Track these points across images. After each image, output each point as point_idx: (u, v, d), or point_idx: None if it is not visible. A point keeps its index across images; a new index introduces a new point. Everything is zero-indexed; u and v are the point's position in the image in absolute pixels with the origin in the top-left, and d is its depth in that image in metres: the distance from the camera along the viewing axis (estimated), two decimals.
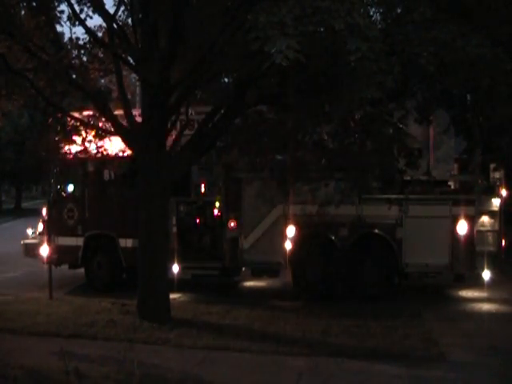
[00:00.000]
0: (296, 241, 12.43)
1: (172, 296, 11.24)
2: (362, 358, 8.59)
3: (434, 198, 12.27)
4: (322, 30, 6.71)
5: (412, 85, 8.62)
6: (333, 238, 12.46)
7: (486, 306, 12.00)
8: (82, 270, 14.28)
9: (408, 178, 12.01)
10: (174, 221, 13.21)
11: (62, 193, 14.79)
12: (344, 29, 6.13)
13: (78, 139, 12.32)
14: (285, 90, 8.88)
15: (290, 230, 12.38)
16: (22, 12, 11.34)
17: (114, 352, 8.73)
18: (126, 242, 13.45)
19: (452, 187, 13.01)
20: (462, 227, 11.97)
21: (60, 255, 13.94)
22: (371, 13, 9.34)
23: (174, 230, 13.22)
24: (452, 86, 8.94)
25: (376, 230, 12.33)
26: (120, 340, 9.44)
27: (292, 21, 5.73)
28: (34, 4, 10.77)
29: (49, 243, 13.38)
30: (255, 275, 13.64)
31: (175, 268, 12.84)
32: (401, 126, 10.17)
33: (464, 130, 12.25)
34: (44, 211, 14.49)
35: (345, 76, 7.84)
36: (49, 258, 13.24)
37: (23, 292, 13.64)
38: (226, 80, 12.75)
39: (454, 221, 12.00)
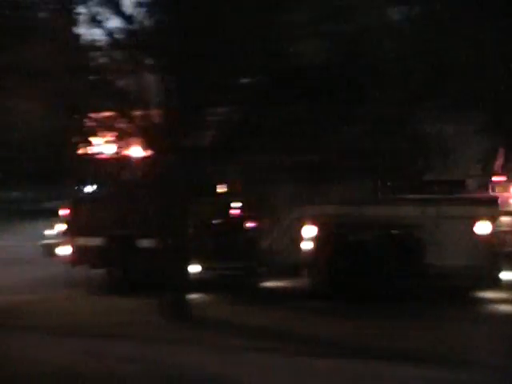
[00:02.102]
0: (320, 241, 12.37)
1: (194, 296, 11.26)
2: (389, 359, 8.51)
3: (457, 198, 12.17)
4: (352, 28, 6.68)
5: (444, 85, 8.52)
6: (357, 238, 12.43)
7: (508, 308, 11.88)
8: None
9: (430, 178, 11.94)
10: (195, 221, 13.21)
11: (84, 193, 14.85)
12: (379, 27, 6.07)
13: (99, 140, 12.35)
14: (312, 90, 8.84)
15: (314, 231, 12.33)
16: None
17: (137, 351, 8.83)
18: (148, 243, 13.46)
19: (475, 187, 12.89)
20: (483, 228, 11.87)
21: (82, 255, 14.01)
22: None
23: (195, 230, 13.23)
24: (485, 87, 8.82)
25: (397, 231, 12.27)
26: (143, 339, 9.51)
27: (321, 20, 5.70)
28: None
29: (71, 243, 13.46)
30: (276, 276, 13.62)
31: (197, 268, 12.84)
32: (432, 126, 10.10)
33: (489, 130, 12.08)
34: (65, 211, 14.56)
35: (376, 76, 7.80)
36: (71, 258, 13.32)
37: (50, 292, 13.74)
38: (250, 80, 12.70)
39: (475, 221, 11.91)
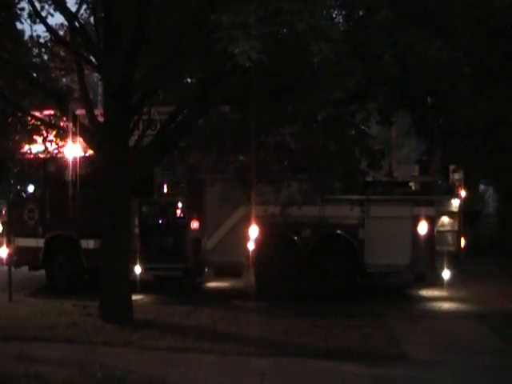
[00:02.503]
0: (259, 241, 12.44)
1: (134, 297, 11.16)
2: (324, 357, 8.65)
3: (395, 198, 12.42)
4: (284, 31, 6.77)
5: (374, 87, 8.71)
6: (295, 238, 12.54)
7: (446, 305, 12.19)
8: (42, 272, 14.13)
9: (370, 179, 12.14)
10: (136, 221, 13.12)
11: (23, 193, 14.57)
12: (306, 30, 6.15)
13: (39, 139, 12.15)
14: (247, 90, 8.91)
15: (253, 231, 12.39)
16: None
17: (75, 354, 8.63)
18: (88, 243, 13.31)
19: (413, 188, 13.18)
20: (423, 228, 12.15)
21: (20, 257, 13.74)
22: (334, 15, 9.42)
23: (137, 230, 13.14)
24: (413, 89, 9.08)
25: (338, 231, 12.44)
26: (82, 342, 9.33)
27: (255, 21, 5.74)
28: None
29: (8, 244, 13.18)
30: (218, 276, 13.65)
31: (138, 269, 12.76)
32: (363, 127, 10.28)
33: (424, 131, 12.40)
34: (3, 212, 14.28)
35: (307, 77, 7.91)
36: (8, 259, 13.05)
37: None
38: (189, 80, 12.72)
39: (415, 221, 12.18)
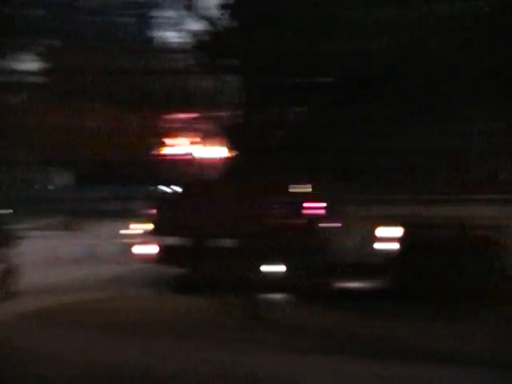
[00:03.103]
0: (396, 242, 12.21)
1: (267, 296, 11.29)
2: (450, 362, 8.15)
3: None
4: None
5: None
6: (433, 238, 12.21)
7: None
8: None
9: None
10: (270, 220, 13.25)
11: (166, 194, 15.18)
12: None
13: (185, 141, 12.59)
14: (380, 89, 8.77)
15: (388, 231, 12.18)
16: None
17: (206, 352, 8.81)
18: (224, 242, 13.62)
19: None
20: None
21: (164, 254, 14.31)
22: None
23: (271, 229, 13.25)
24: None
25: (479, 231, 11.97)
26: (216, 340, 9.53)
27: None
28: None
29: (154, 242, 13.75)
30: (352, 276, 13.47)
31: (271, 268, 12.88)
32: None
33: None
34: (149, 211, 14.91)
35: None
36: (154, 256, 13.62)
37: (121, 290, 14.03)
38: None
39: None
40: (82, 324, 10.56)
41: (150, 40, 11.75)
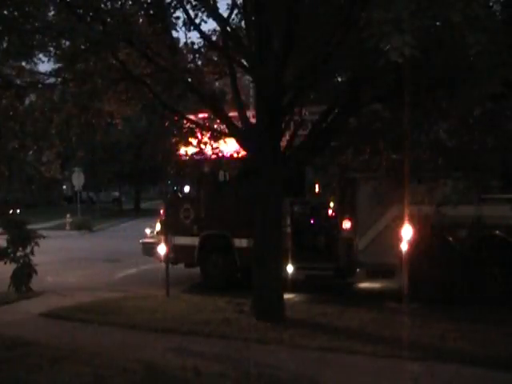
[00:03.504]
0: (413, 242, 12.07)
1: (286, 296, 11.28)
2: (480, 365, 8.15)
3: None
4: (438, 24, 6.52)
5: None
6: (451, 239, 12.07)
7: None
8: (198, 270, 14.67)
9: None
10: (288, 221, 13.24)
11: (179, 193, 15.24)
12: (462, 21, 5.87)
13: (194, 141, 12.61)
14: (400, 87, 8.68)
15: (407, 231, 12.03)
16: (140, 20, 11.72)
17: (228, 350, 8.91)
18: (241, 242, 13.63)
19: None
20: None
21: (177, 254, 14.36)
22: (490, 3, 8.91)
23: (289, 230, 13.25)
24: None
25: (497, 232, 11.81)
26: (235, 338, 9.57)
27: (408, 16, 5.56)
28: (152, 12, 11.10)
29: (166, 242, 13.79)
30: (370, 277, 13.43)
31: (289, 268, 12.86)
32: None
33: None
34: (161, 211, 14.97)
35: (463, 71, 7.55)
36: (166, 256, 13.65)
37: (141, 289, 14.24)
38: (340, 79, 12.64)
39: None
40: (102, 323, 10.71)
41: (176, 41, 11.72)
